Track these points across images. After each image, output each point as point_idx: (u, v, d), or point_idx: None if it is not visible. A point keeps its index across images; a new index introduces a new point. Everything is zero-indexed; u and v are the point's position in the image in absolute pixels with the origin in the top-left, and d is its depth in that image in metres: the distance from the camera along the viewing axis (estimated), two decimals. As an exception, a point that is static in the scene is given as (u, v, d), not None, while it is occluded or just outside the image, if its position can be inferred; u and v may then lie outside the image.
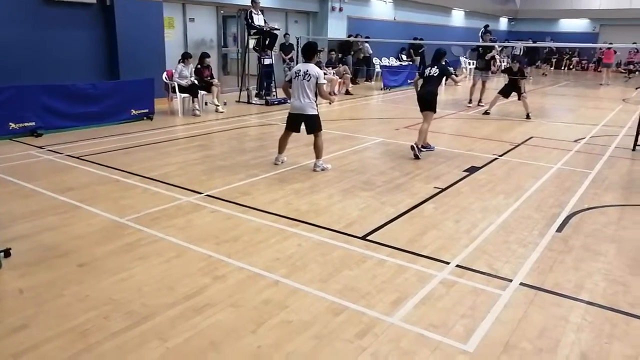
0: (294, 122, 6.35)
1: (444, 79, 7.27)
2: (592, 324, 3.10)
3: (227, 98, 11.81)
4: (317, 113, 6.25)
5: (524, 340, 2.91)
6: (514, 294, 3.42)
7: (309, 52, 6.22)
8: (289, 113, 6.38)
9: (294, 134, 6.48)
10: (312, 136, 6.34)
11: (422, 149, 7.25)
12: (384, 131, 9.18)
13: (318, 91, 6.22)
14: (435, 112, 7.31)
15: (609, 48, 19.88)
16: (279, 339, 2.86)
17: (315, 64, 6.28)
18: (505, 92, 11.27)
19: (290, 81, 6.24)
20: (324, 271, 3.68)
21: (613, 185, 6.11)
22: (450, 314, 3.15)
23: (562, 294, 3.44)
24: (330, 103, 6.76)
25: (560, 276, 3.70)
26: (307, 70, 6.08)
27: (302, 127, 6.32)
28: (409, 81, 16.51)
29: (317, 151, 6.33)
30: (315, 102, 6.26)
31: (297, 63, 12.97)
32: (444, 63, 7.43)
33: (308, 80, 6.06)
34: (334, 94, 14.20)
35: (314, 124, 6.24)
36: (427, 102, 7.22)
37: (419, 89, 7.47)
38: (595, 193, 5.73)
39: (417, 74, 7.67)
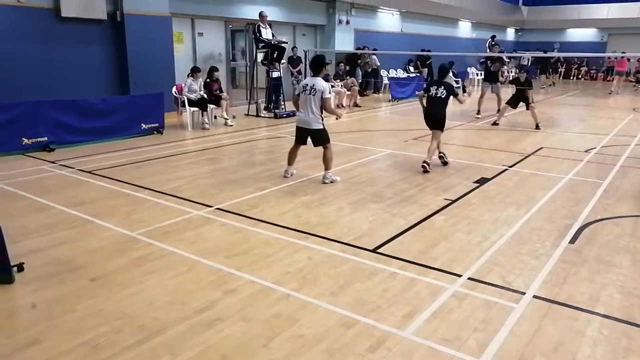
0: (300, 135, 6.41)
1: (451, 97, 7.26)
2: (608, 338, 3.05)
3: (236, 111, 11.90)
4: (322, 127, 6.28)
5: (538, 354, 2.86)
6: (527, 306, 3.38)
7: (317, 65, 6.27)
8: (296, 126, 6.44)
9: (303, 146, 6.52)
10: (321, 148, 6.36)
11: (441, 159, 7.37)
12: (392, 143, 9.18)
13: (323, 105, 6.20)
14: (443, 130, 7.29)
15: (622, 57, 19.86)
16: (290, 353, 2.84)
17: (323, 77, 6.32)
18: (512, 103, 11.24)
19: (299, 95, 6.29)
20: (335, 284, 3.66)
21: (625, 195, 6.04)
22: (463, 327, 3.11)
23: (576, 307, 3.39)
24: (337, 118, 6.76)
25: (574, 288, 3.66)
26: (314, 85, 6.12)
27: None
28: (416, 92, 16.52)
29: (326, 163, 6.34)
30: (321, 116, 6.26)
31: (305, 76, 13.05)
32: (450, 75, 7.47)
33: (314, 95, 6.10)
34: (342, 106, 14.26)
35: (320, 138, 6.30)
36: (437, 122, 7.19)
37: (425, 106, 7.34)
38: (607, 204, 5.67)
39: (423, 89, 7.61)
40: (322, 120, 6.30)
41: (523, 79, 11.22)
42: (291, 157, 6.61)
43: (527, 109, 11.08)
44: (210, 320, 3.17)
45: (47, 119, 8.02)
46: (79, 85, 9.60)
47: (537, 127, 10.89)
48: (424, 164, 6.98)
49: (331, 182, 6.33)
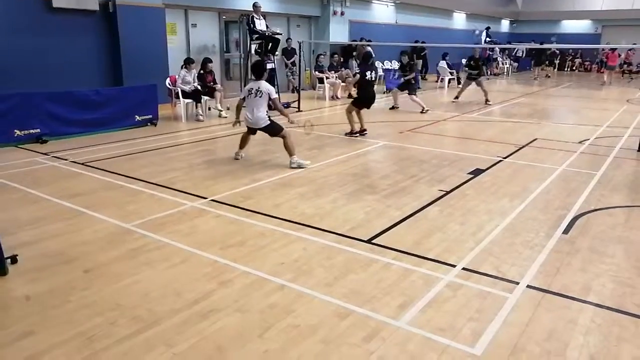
0: (250, 130, 6.94)
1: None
2: (600, 326, 3.07)
3: (230, 103, 11.82)
4: (270, 121, 6.68)
5: (532, 343, 2.89)
6: (521, 296, 3.40)
7: (259, 70, 6.77)
8: (247, 126, 6.89)
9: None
10: (280, 139, 6.74)
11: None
12: (387, 134, 9.18)
13: (274, 105, 6.73)
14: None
15: (613, 50, 19.96)
16: (285, 343, 2.85)
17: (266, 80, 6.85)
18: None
19: (244, 99, 6.73)
20: (330, 275, 3.67)
21: (619, 186, 6.08)
22: (457, 317, 3.13)
23: (569, 296, 3.42)
24: (288, 120, 6.94)
25: (568, 278, 3.68)
26: (259, 88, 6.58)
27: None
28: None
29: (288, 150, 6.66)
30: (267, 113, 6.71)
31: (299, 67, 13.01)
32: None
33: (260, 97, 6.57)
34: (337, 97, 14.24)
35: (272, 130, 6.74)
36: (373, 101, 8.90)
37: (367, 90, 8.78)
38: (601, 194, 5.70)
39: (357, 74, 9.08)
40: (268, 115, 6.73)
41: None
42: (243, 142, 7.04)
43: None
44: (205, 311, 3.17)
45: (40, 111, 7.95)
46: (72, 77, 9.51)
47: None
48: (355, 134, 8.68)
49: (298, 166, 6.59)
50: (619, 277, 3.73)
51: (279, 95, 7.21)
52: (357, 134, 8.80)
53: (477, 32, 22.43)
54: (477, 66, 13.94)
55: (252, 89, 6.62)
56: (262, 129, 6.74)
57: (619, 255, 4.12)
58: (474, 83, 13.92)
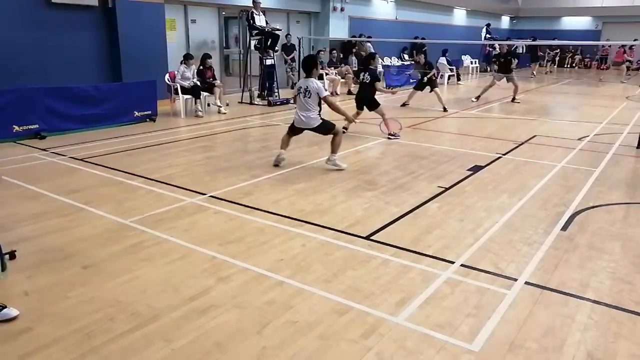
0: (295, 131, 6.55)
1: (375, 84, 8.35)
2: (598, 323, 3.08)
3: (229, 99, 11.82)
4: (321, 120, 6.33)
5: (529, 339, 2.90)
6: (519, 293, 3.41)
7: (308, 66, 6.33)
8: (295, 125, 6.46)
9: (300, 135, 6.61)
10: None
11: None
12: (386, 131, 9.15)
13: (328, 105, 6.35)
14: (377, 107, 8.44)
15: (621, 47, 20.03)
16: (284, 339, 2.85)
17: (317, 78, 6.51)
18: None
19: (295, 98, 6.42)
20: (328, 271, 3.67)
21: (618, 183, 6.08)
22: (456, 313, 3.14)
23: (567, 293, 3.43)
24: (346, 120, 6.72)
25: (566, 275, 3.69)
26: (307, 87, 6.21)
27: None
28: (411, 80, 16.51)
29: (334, 146, 6.37)
30: (319, 112, 6.33)
31: (299, 63, 12.97)
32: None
33: (309, 97, 6.21)
34: (336, 94, 14.21)
35: (324, 129, 6.39)
36: (368, 104, 8.49)
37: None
38: (600, 191, 5.70)
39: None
40: (319, 114, 6.35)
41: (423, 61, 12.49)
42: (285, 143, 6.60)
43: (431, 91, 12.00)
44: (204, 307, 3.17)
45: (39, 106, 7.94)
46: (71, 72, 9.49)
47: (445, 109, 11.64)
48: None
49: (334, 166, 6.32)
50: (617, 273, 3.73)
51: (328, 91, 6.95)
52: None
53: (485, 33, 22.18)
54: (507, 63, 13.43)
55: (301, 87, 6.28)
56: (314, 129, 6.40)
57: (617, 252, 4.13)
58: (499, 80, 13.62)
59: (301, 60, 6.66)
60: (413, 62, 13.22)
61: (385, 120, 8.46)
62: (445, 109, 11.63)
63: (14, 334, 2.86)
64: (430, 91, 12.05)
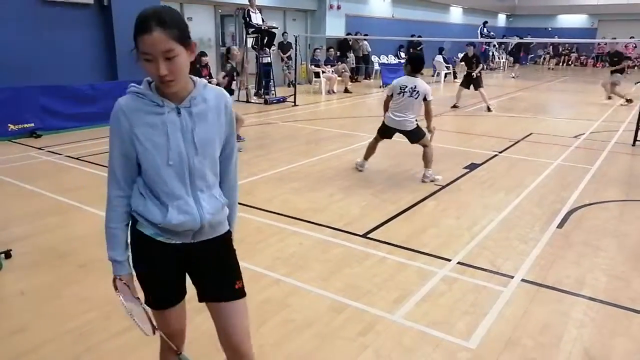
0: (387, 134, 6.04)
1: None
2: (594, 320, 3.09)
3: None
4: (416, 125, 5.81)
5: (526, 336, 2.90)
6: (515, 290, 3.42)
7: (418, 64, 5.76)
8: (387, 125, 5.92)
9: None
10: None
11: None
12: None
13: (427, 109, 5.75)
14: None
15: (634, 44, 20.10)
16: (280, 338, 2.85)
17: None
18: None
19: (391, 96, 5.78)
20: (325, 269, 3.67)
21: (613, 180, 6.10)
22: (452, 311, 3.14)
23: (563, 290, 3.44)
24: (430, 129, 5.94)
25: (562, 272, 3.70)
26: (416, 87, 5.62)
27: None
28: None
29: (426, 161, 5.87)
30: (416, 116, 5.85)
31: (295, 62, 12.93)
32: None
33: (416, 98, 5.62)
34: (333, 92, 14.21)
35: (416, 135, 5.84)
36: None
37: None
38: (595, 189, 5.72)
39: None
40: (415, 118, 5.84)
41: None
42: (371, 150, 6.19)
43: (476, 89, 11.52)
44: (200, 306, 3.12)
45: (34, 105, 7.91)
46: (66, 71, 9.43)
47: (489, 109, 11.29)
48: None
49: (431, 181, 5.81)
50: (613, 271, 3.75)
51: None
52: None
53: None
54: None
55: (407, 86, 5.61)
56: (405, 132, 5.81)
57: (612, 249, 4.14)
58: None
59: (409, 57, 5.91)
60: (464, 56, 12.16)
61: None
62: (489, 109, 11.21)
63: (9, 333, 2.85)
64: (476, 89, 11.47)
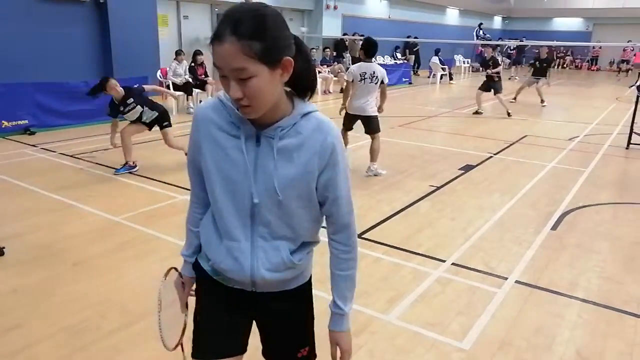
0: (352, 122, 6.13)
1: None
2: (587, 321, 3.11)
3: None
4: (376, 113, 5.98)
5: (519, 337, 2.92)
6: (509, 291, 3.43)
7: (373, 49, 5.83)
8: (349, 113, 6.07)
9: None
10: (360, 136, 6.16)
11: None
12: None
13: (382, 92, 5.95)
14: None
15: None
16: (275, 337, 2.85)
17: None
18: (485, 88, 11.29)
19: (352, 82, 5.89)
20: (321, 271, 3.65)
21: (607, 183, 6.14)
22: (446, 312, 3.15)
23: (557, 292, 3.46)
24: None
25: (555, 274, 3.72)
26: (374, 72, 5.76)
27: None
28: (403, 79, 16.55)
29: (373, 154, 6.05)
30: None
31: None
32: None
33: (376, 83, 5.79)
34: (329, 92, 14.22)
35: (373, 124, 5.97)
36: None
37: None
38: (589, 191, 5.76)
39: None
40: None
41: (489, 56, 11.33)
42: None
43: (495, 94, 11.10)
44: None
45: (28, 102, 7.85)
46: (61, 68, 9.40)
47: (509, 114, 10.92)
48: None
49: (376, 175, 6.03)
50: (605, 273, 3.77)
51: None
52: None
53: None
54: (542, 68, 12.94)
55: (366, 73, 5.73)
56: (365, 118, 5.92)
57: (605, 251, 4.17)
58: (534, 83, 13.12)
59: (363, 43, 5.92)
60: (483, 58, 11.72)
61: None
62: (509, 114, 10.81)
63: (2, 331, 2.83)
64: (495, 94, 11.03)
